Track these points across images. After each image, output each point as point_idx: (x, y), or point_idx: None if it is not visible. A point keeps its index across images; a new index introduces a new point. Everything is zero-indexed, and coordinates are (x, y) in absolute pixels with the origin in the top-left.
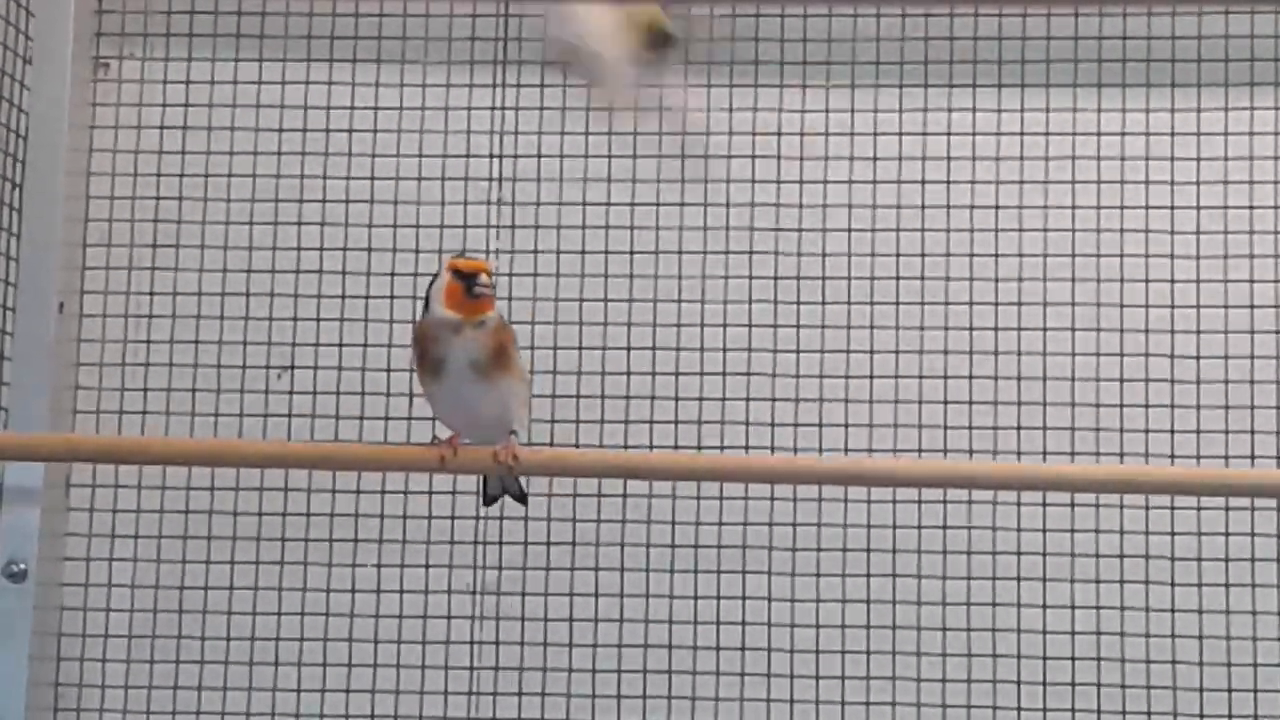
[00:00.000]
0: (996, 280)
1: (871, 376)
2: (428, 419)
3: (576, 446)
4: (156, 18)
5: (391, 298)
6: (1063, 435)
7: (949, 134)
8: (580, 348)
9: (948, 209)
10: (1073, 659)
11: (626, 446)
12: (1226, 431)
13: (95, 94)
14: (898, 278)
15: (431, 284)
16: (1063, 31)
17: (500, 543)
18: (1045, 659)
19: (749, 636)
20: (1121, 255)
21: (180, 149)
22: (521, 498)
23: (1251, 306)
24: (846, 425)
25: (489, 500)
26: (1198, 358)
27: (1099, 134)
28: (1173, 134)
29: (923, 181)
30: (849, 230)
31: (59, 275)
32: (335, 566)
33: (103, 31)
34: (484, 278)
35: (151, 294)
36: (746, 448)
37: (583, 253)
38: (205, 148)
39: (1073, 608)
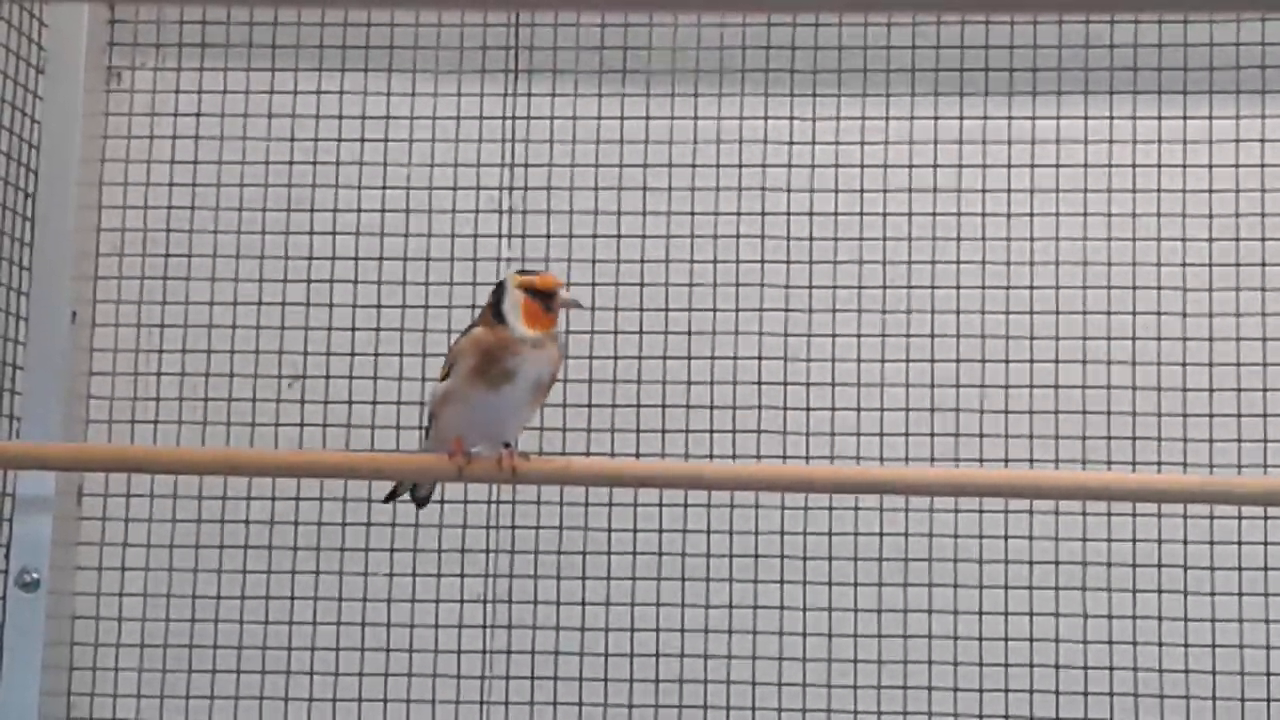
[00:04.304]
0: (1008, 288)
1: (882, 385)
2: None
3: (587, 455)
4: (169, 28)
5: (403, 307)
6: (1075, 444)
7: (960, 142)
8: (591, 356)
9: (958, 216)
10: (1085, 668)
11: (638, 455)
12: (1239, 440)
13: (108, 104)
14: (909, 287)
15: (500, 301)
16: (1074, 39)
17: (512, 551)
18: (1058, 667)
19: (760, 645)
20: (1133, 263)
21: (192, 159)
22: (424, 501)
23: (1263, 314)
24: (858, 434)
25: (391, 496)
26: (1210, 365)
27: (1110, 141)
28: (1185, 142)
29: (934, 190)
30: (860, 239)
31: (71, 285)
32: (347, 575)
33: (115, 41)
34: (564, 293)
35: (163, 303)
36: (758, 456)
37: (593, 261)
38: (217, 157)
39: (1085, 616)
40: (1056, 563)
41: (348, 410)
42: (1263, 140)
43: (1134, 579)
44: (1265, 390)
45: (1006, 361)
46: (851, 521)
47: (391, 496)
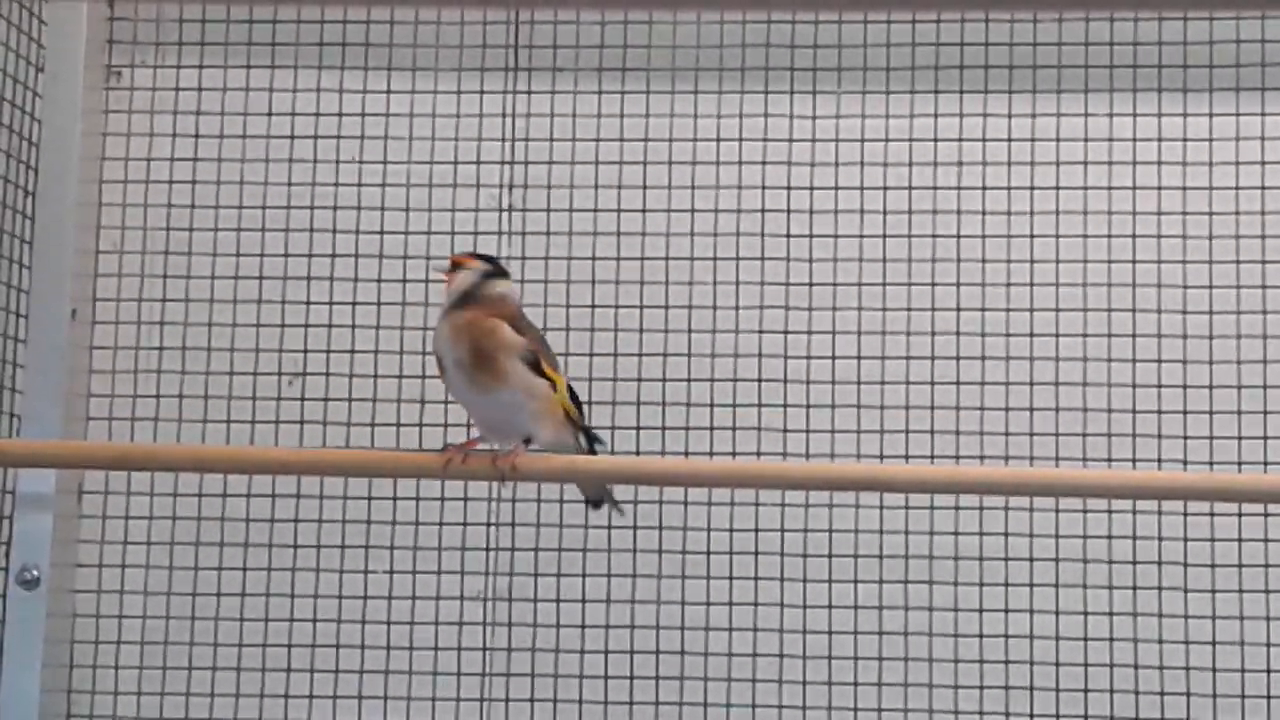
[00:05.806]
0: (1008, 285)
1: (883, 382)
2: (439, 425)
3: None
4: (168, 25)
5: (403, 304)
6: (1075, 441)
7: (960, 140)
8: (591, 354)
9: (958, 214)
10: (1085, 665)
11: (638, 452)
12: (1239, 437)
13: (107, 101)
14: (909, 284)
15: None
16: (1074, 37)
17: (512, 549)
18: (1058, 665)
19: (761, 643)
20: (1133, 261)
21: (192, 156)
22: (598, 505)
23: (1264, 312)
24: (858, 431)
25: (593, 504)
26: (1210, 362)
27: (1110, 139)
28: (1184, 139)
29: (934, 187)
30: (860, 236)
31: (71, 282)
32: (347, 573)
33: (115, 39)
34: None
35: (164, 300)
36: (758, 453)
37: (593, 258)
38: (217, 155)
39: (1085, 614)
40: (1057, 560)
41: (348, 408)
42: (1262, 138)
43: (1134, 576)
44: (1265, 387)
45: (1007, 358)
46: (852, 518)
47: (597, 504)
